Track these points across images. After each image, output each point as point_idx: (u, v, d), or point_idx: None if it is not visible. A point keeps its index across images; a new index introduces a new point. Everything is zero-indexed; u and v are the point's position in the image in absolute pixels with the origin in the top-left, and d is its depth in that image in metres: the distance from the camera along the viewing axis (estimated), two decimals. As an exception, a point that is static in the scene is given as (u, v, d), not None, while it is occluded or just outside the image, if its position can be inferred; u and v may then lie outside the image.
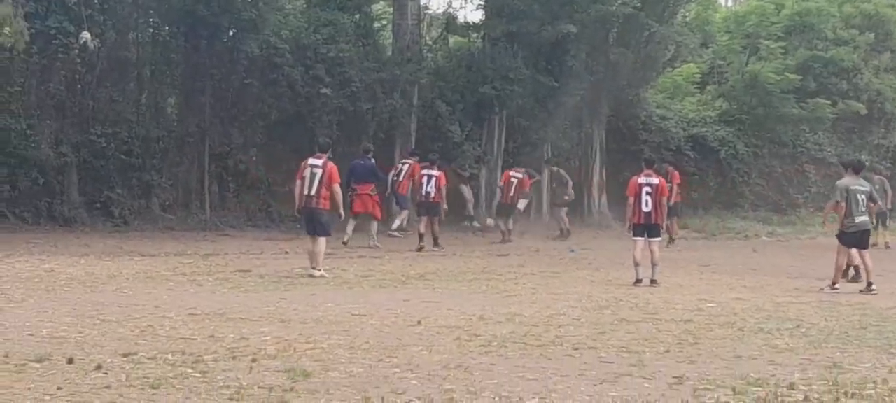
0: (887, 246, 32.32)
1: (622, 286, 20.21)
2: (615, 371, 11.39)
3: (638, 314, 16.29)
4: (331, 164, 21.05)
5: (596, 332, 14.16)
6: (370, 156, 28.60)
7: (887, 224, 33.33)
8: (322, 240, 21.01)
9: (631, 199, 21.51)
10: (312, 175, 20.93)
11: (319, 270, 20.72)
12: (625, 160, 40.47)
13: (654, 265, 20.93)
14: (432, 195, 29.23)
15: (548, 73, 37.65)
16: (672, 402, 9.94)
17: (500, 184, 33.05)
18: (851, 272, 21.83)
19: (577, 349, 12.78)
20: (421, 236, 28.69)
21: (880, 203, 22.53)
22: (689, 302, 17.87)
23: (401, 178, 30.53)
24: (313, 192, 20.90)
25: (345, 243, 26.91)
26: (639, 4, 37.53)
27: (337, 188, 21.17)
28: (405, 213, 31.40)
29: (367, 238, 27.84)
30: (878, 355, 12.83)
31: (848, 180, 21.13)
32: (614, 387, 10.58)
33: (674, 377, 11.15)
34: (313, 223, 21.12)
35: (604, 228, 37.12)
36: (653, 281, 20.57)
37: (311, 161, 21.19)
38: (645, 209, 21.16)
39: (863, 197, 20.82)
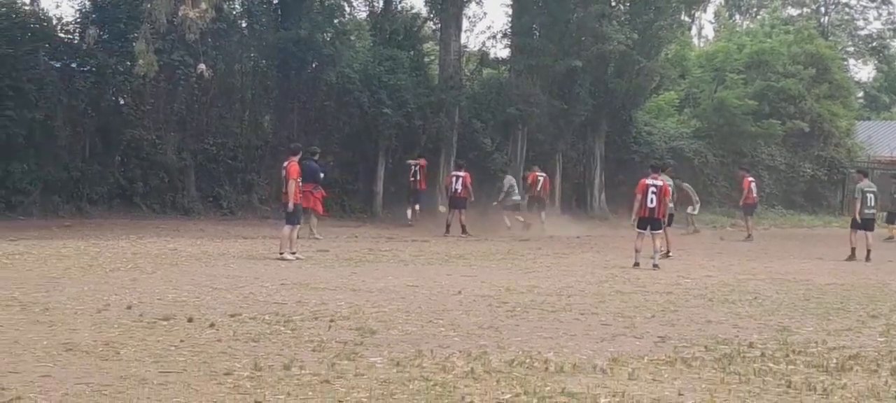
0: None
1: (617, 266, 20.06)
2: (612, 332, 11.39)
3: (630, 287, 16.26)
4: None
5: (597, 301, 14.16)
6: (316, 157, 25.68)
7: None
8: None
9: (639, 196, 20.49)
10: None
11: None
12: (619, 167, 40.39)
13: (656, 252, 20.23)
14: (459, 192, 29.23)
15: (560, 98, 37.64)
16: (657, 356, 9.92)
17: (529, 181, 32.67)
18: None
19: (582, 314, 12.78)
20: (448, 225, 28.72)
21: None
22: (669, 279, 17.81)
23: (418, 177, 31.49)
24: None
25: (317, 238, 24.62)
26: (631, 44, 37.36)
27: None
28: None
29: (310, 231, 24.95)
30: (819, 321, 12.78)
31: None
32: (612, 345, 10.58)
33: (658, 337, 11.15)
34: None
35: (602, 220, 36.97)
36: (655, 266, 19.70)
37: None
38: (650, 205, 20.22)
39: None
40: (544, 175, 32.84)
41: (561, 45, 36.41)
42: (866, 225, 23.83)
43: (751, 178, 32.68)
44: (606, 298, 14.62)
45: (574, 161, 40.48)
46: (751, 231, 31.31)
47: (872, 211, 24.02)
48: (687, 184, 34.52)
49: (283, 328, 11.01)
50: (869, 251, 23.41)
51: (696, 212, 33.84)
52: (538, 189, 32.15)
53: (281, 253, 19.66)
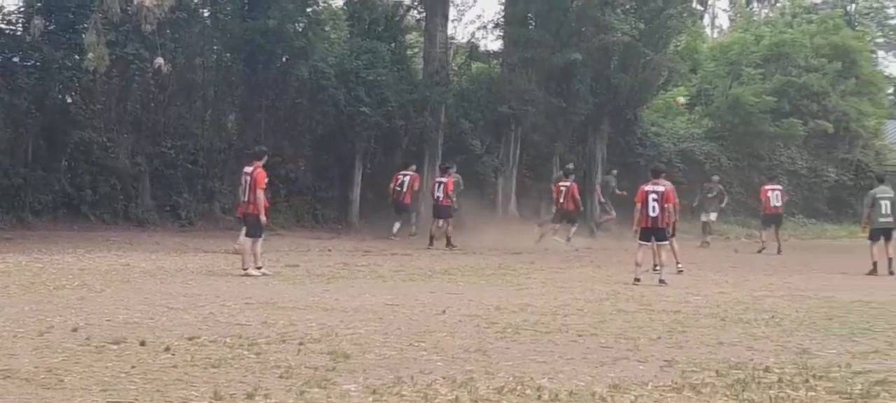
0: None
1: (619, 282, 20.03)
2: (614, 356, 11.37)
3: (633, 305, 16.24)
4: None
5: (597, 321, 14.14)
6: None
7: None
8: None
9: (638, 205, 20.55)
10: None
11: None
12: (623, 171, 40.40)
13: (662, 266, 20.37)
14: (441, 199, 29.18)
15: (557, 95, 37.70)
16: (663, 382, 9.91)
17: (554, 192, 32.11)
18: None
19: (580, 335, 12.77)
20: (431, 237, 28.66)
21: None
22: (677, 296, 17.80)
23: (403, 189, 30.60)
24: None
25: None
26: (637, 35, 37.40)
27: None
28: (412, 217, 31.50)
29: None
30: (842, 343, 12.76)
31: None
32: (613, 369, 10.56)
33: (665, 360, 11.13)
34: None
35: (603, 231, 36.98)
36: (661, 281, 19.63)
37: None
38: (652, 214, 20.24)
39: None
40: (567, 183, 31.04)
41: (559, 37, 36.43)
42: (883, 234, 23.97)
43: (769, 187, 32.62)
44: (607, 318, 14.60)
45: (573, 165, 40.50)
46: (765, 243, 31.30)
47: (888, 219, 24.01)
48: (720, 186, 34.75)
49: (246, 352, 10.98)
50: (890, 261, 23.49)
51: (713, 220, 33.93)
52: (562, 199, 30.65)
53: (245, 269, 19.58)
